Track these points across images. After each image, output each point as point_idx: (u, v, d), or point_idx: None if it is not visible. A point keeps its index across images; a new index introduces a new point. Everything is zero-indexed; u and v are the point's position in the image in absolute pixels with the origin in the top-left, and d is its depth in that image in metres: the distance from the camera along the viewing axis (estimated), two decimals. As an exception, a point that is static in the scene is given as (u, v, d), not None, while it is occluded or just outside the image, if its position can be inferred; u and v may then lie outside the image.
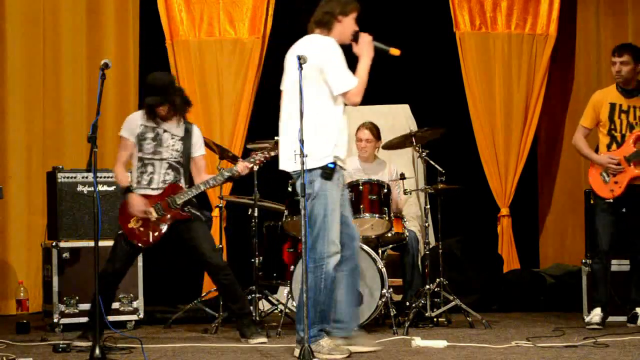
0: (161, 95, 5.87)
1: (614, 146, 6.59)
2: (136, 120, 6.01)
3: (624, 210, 6.57)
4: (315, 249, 5.21)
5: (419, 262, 7.19)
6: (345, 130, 5.36)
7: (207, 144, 6.41)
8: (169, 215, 5.92)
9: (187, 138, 6.04)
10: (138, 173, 5.98)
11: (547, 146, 9.11)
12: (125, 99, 8.42)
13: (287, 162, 5.30)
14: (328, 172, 5.20)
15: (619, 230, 6.59)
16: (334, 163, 5.23)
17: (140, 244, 5.93)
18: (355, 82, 5.23)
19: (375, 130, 7.21)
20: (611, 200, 6.54)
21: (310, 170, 5.16)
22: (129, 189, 5.90)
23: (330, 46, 5.26)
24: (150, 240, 5.91)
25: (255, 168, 6.28)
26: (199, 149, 6.13)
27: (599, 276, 6.63)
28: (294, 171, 5.29)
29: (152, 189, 5.95)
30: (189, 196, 5.95)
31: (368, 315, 6.33)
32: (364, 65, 5.31)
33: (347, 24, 5.35)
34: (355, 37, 5.35)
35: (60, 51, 8.33)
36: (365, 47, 5.33)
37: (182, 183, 6.01)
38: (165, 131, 5.99)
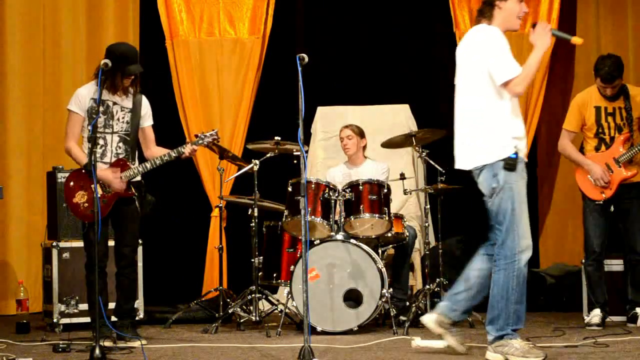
0: (137, 63, 5.80)
1: (602, 148, 6.60)
2: (85, 94, 5.94)
3: (612, 209, 6.57)
4: (505, 245, 5.03)
5: (419, 260, 7.17)
6: (522, 123, 5.14)
7: (207, 144, 6.38)
8: (113, 193, 5.90)
9: (135, 110, 6.01)
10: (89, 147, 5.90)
11: (547, 146, 9.10)
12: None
13: (461, 161, 5.16)
14: (511, 163, 5.00)
15: (611, 229, 6.60)
16: (516, 153, 5.02)
17: (83, 220, 5.90)
18: (517, 71, 5.00)
19: (356, 129, 7.23)
20: (602, 202, 6.55)
21: (491, 165, 5.02)
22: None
23: (488, 36, 5.06)
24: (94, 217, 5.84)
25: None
26: (147, 120, 6.11)
27: (594, 278, 6.64)
28: (470, 169, 5.12)
29: (105, 162, 5.93)
30: (135, 175, 5.93)
31: (368, 315, 6.33)
32: (534, 54, 5.06)
33: (509, 9, 5.13)
34: (533, 26, 5.14)
35: (60, 51, 8.33)
36: (540, 36, 5.09)
37: (131, 158, 5.97)
38: (115, 104, 5.96)
